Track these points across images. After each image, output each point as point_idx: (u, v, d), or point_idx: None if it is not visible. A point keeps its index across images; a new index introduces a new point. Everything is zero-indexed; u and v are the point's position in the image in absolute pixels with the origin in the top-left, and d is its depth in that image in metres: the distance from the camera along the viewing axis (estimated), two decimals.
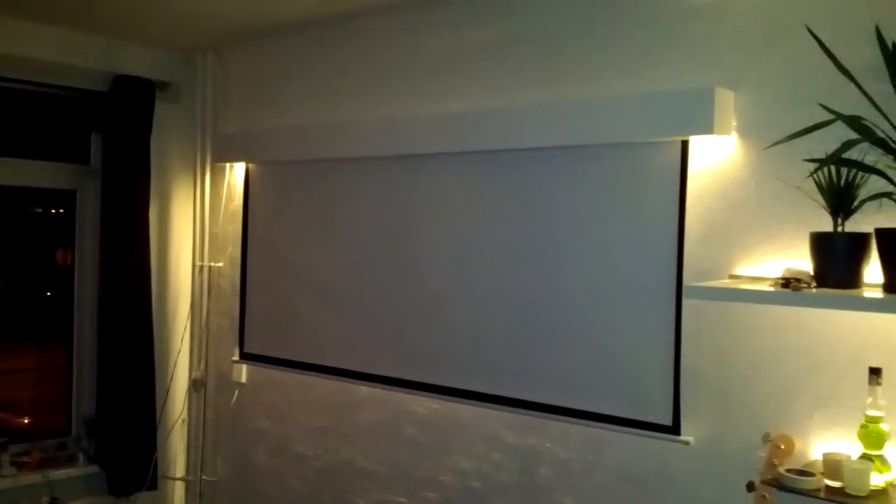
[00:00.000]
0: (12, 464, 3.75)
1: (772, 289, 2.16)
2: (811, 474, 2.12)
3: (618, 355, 2.73)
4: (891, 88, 2.02)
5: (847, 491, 2.04)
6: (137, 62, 4.02)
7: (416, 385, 3.28)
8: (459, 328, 3.16)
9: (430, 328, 3.25)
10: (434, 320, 3.24)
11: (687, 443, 2.58)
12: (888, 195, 2.06)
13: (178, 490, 4.29)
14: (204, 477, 4.19)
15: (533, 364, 2.95)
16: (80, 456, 3.98)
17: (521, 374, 2.98)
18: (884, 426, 2.10)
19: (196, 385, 4.22)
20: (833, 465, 2.11)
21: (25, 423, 4.10)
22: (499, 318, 3.04)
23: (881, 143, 2.02)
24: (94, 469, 3.97)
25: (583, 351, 2.82)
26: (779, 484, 2.14)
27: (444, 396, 3.20)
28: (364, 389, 3.48)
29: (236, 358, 4.02)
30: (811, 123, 2.11)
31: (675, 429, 2.60)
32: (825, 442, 2.30)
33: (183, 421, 4.25)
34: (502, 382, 3.03)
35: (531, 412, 2.94)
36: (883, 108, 2.04)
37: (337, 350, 3.58)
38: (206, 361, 4.21)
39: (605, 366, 2.77)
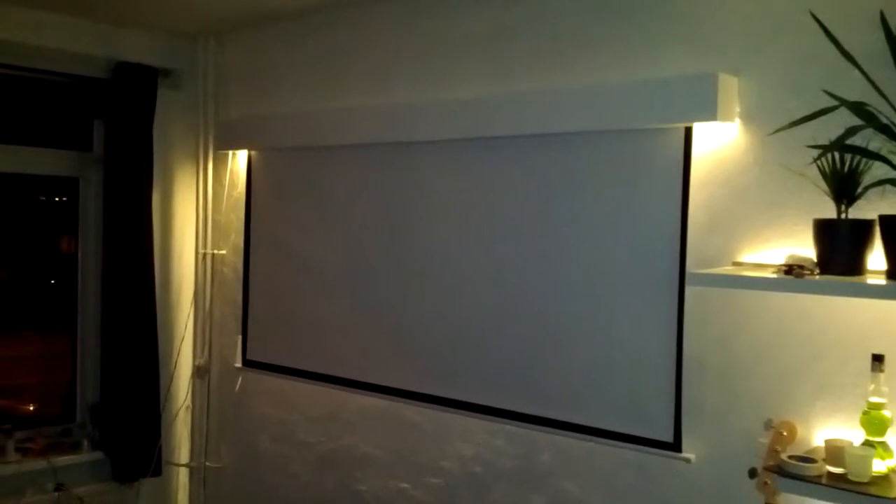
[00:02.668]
0: (17, 450, 3.77)
1: (775, 276, 2.16)
2: (813, 461, 2.13)
3: (620, 348, 2.73)
4: (894, 74, 2.01)
5: (849, 477, 2.05)
6: (140, 49, 4.01)
7: (413, 395, 3.29)
8: (458, 332, 3.16)
9: (425, 330, 3.25)
10: (430, 320, 3.24)
11: (688, 460, 2.57)
12: (892, 181, 2.05)
13: (182, 476, 4.31)
14: (208, 463, 4.21)
15: (533, 365, 2.94)
16: (85, 442, 4.00)
17: (520, 380, 2.98)
18: (886, 413, 2.10)
19: (199, 372, 4.23)
20: (835, 452, 2.11)
21: (30, 410, 4.12)
22: (499, 312, 3.03)
23: (885, 130, 2.01)
24: (98, 455, 3.99)
25: (584, 347, 2.81)
26: (781, 470, 2.14)
27: (441, 407, 3.20)
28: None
29: (239, 365, 4.02)
30: (815, 109, 2.09)
31: (676, 444, 2.60)
32: (827, 428, 2.30)
33: (187, 408, 4.27)
34: (501, 393, 3.02)
35: (529, 425, 2.95)
36: (887, 94, 2.03)
37: (338, 351, 3.58)
38: (210, 348, 4.22)
39: (605, 361, 2.76)
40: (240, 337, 4.02)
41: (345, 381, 3.54)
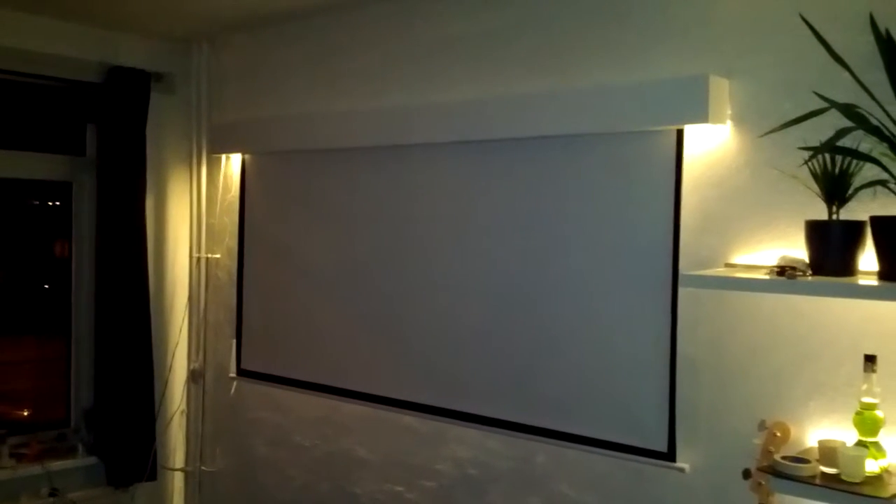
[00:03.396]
0: (11, 455, 3.76)
1: (767, 277, 2.17)
2: (807, 461, 2.13)
3: (613, 350, 2.73)
4: (884, 76, 2.02)
5: (842, 477, 2.05)
6: (132, 53, 4.01)
7: (407, 404, 3.30)
8: (453, 337, 3.16)
9: (420, 332, 3.25)
10: (424, 323, 3.24)
11: (683, 469, 2.58)
12: (883, 183, 2.06)
13: (178, 481, 4.30)
14: (203, 467, 4.20)
15: (527, 369, 2.95)
16: (80, 447, 3.99)
17: (515, 386, 2.98)
18: (879, 413, 2.11)
19: (194, 376, 4.23)
20: (828, 452, 2.12)
21: (24, 415, 4.11)
22: (493, 316, 3.03)
23: (875, 131, 2.02)
24: (93, 460, 3.98)
25: (578, 350, 2.81)
26: (775, 471, 2.15)
27: (436, 417, 3.20)
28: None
29: (233, 374, 4.01)
30: (806, 111, 2.11)
31: (670, 454, 2.61)
32: (821, 429, 2.31)
33: (182, 412, 4.26)
34: (495, 402, 3.03)
35: (523, 435, 2.95)
36: (877, 96, 2.05)
37: (332, 357, 3.57)
38: (205, 352, 4.22)
39: (599, 363, 2.76)
40: (234, 342, 4.01)
41: (339, 390, 3.54)
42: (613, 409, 2.73)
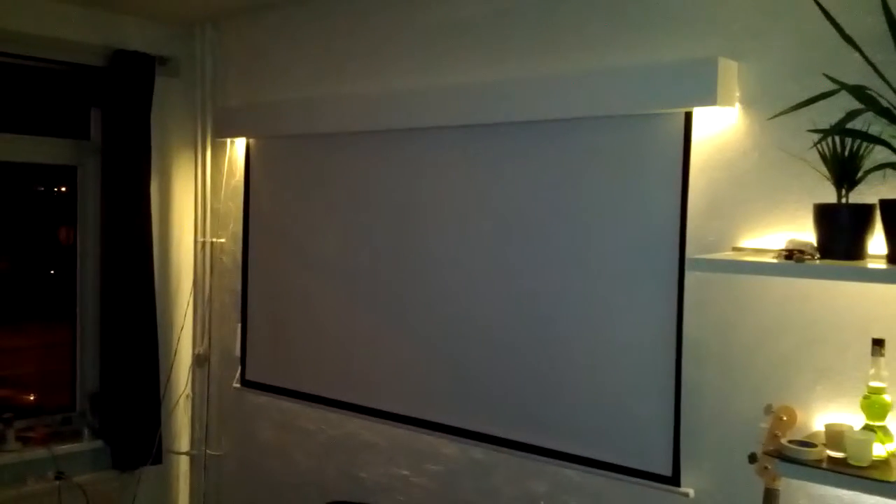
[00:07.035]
0: (18, 439, 3.78)
1: (775, 261, 2.16)
2: (813, 445, 2.12)
3: (617, 338, 2.72)
4: (895, 58, 2.00)
5: (849, 461, 2.04)
6: (137, 37, 4.00)
7: (405, 419, 3.32)
8: (456, 344, 3.15)
9: (423, 328, 3.24)
10: (426, 322, 3.23)
11: (686, 494, 2.57)
12: (892, 165, 2.05)
13: (183, 464, 4.32)
14: (209, 451, 4.21)
15: (532, 369, 2.93)
16: (85, 431, 4.01)
17: (517, 390, 2.97)
18: (886, 397, 2.10)
19: (199, 360, 4.23)
20: (835, 436, 2.11)
21: (30, 400, 4.12)
22: (498, 314, 3.02)
23: (885, 113, 2.00)
24: (98, 444, 4.00)
25: (580, 340, 2.80)
26: (781, 455, 2.14)
27: (433, 432, 3.22)
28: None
29: (238, 385, 4.01)
30: (815, 93, 2.09)
31: (675, 478, 2.59)
32: (828, 413, 2.30)
33: (187, 396, 4.27)
34: (493, 418, 3.03)
35: (524, 454, 2.95)
36: (888, 77, 2.02)
37: (335, 357, 3.58)
38: (209, 337, 4.22)
39: (603, 355, 2.75)
40: (239, 327, 4.01)
41: (344, 404, 3.56)
42: (617, 400, 2.72)
